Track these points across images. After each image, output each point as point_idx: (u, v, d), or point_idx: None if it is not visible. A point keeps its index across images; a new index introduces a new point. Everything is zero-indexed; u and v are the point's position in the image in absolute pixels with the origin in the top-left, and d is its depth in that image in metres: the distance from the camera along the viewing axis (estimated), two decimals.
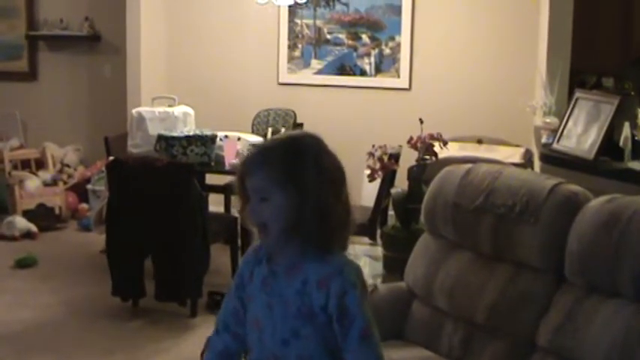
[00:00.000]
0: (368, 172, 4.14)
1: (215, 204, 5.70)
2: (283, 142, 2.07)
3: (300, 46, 7.04)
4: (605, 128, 4.10)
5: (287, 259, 2.06)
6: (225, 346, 2.18)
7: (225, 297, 2.25)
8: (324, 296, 1.99)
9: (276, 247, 2.08)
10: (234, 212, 5.84)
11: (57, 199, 7.01)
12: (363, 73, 6.90)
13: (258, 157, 2.04)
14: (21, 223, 6.57)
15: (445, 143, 3.95)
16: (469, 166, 3.28)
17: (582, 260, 2.71)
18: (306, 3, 6.62)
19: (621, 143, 4.23)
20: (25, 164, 7.37)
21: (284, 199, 1.97)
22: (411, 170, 4.01)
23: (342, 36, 6.93)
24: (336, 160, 2.08)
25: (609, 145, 4.14)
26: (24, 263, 5.81)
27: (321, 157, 2.04)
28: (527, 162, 5.68)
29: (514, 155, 5.91)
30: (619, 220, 2.61)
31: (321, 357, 2.05)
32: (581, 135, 4.25)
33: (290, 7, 6.81)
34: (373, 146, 4.09)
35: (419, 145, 3.92)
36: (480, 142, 6.13)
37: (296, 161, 2.00)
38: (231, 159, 5.27)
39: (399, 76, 6.77)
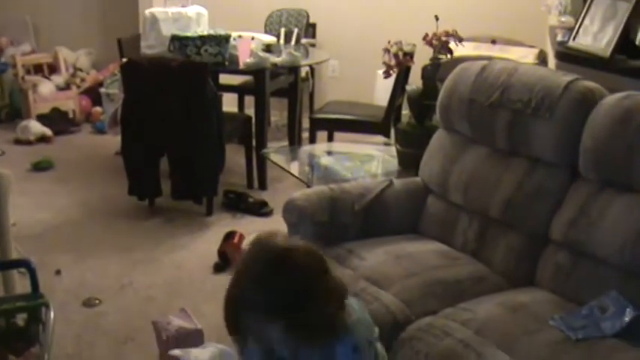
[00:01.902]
0: (382, 69, 4.12)
1: (229, 104, 5.71)
2: (255, 277, 2.02)
3: None
4: (621, 26, 4.05)
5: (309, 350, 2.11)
6: None
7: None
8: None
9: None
10: (248, 112, 5.86)
11: (70, 103, 7.02)
12: None
13: (254, 296, 2.00)
14: (35, 127, 6.60)
15: (460, 40, 3.92)
16: (484, 62, 3.27)
17: (596, 155, 2.73)
18: None
19: (637, 41, 4.19)
20: (38, 69, 7.34)
21: (276, 332, 2.02)
22: (425, 68, 3.99)
23: None
24: (312, 266, 2.05)
25: (625, 43, 4.11)
26: (40, 166, 5.86)
27: (296, 276, 2.01)
28: (541, 63, 5.65)
29: (528, 56, 5.88)
30: (634, 117, 2.62)
31: None
32: (598, 33, 4.21)
33: None
34: (389, 42, 4.06)
35: (434, 42, 3.90)
36: (494, 42, 6.09)
37: (290, 304, 1.99)
38: (245, 58, 5.26)
39: None
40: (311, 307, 2.00)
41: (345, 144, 5.22)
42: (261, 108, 5.33)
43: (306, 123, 5.86)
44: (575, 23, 4.43)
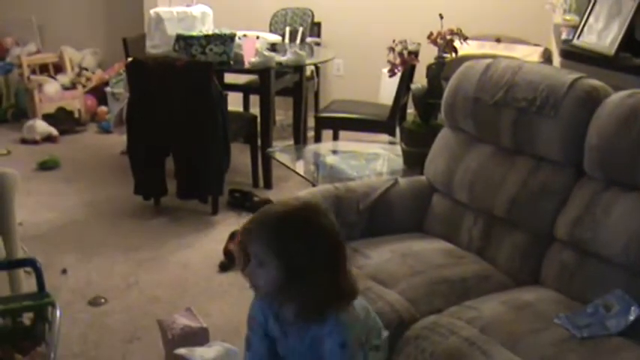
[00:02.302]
0: (387, 68, 4.12)
1: (234, 103, 5.71)
2: (284, 216, 2.11)
3: None
4: (626, 24, 4.05)
5: (290, 318, 2.18)
6: None
7: (251, 341, 2.39)
8: (324, 351, 2.14)
9: (273, 307, 2.22)
10: (253, 111, 5.87)
11: (76, 103, 7.03)
12: None
13: (260, 226, 2.10)
14: (41, 126, 6.62)
15: (465, 38, 3.92)
16: (489, 60, 3.27)
17: (601, 154, 2.72)
18: None
19: None
20: (43, 69, 7.37)
21: (275, 270, 2.06)
22: (430, 67, 3.99)
23: None
24: (334, 232, 2.13)
25: (630, 41, 4.11)
26: (46, 166, 5.88)
27: (317, 237, 2.09)
28: (545, 61, 5.65)
29: (533, 54, 5.88)
30: (639, 115, 2.62)
31: None
32: (602, 31, 4.21)
33: None
34: (394, 41, 4.07)
35: (439, 40, 3.90)
36: (498, 40, 6.09)
37: (289, 240, 2.06)
38: (250, 57, 5.27)
39: None
40: (316, 271, 2.06)
41: (351, 143, 5.23)
42: (267, 107, 5.34)
43: (311, 122, 5.87)
44: (580, 21, 4.43)
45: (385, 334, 2.40)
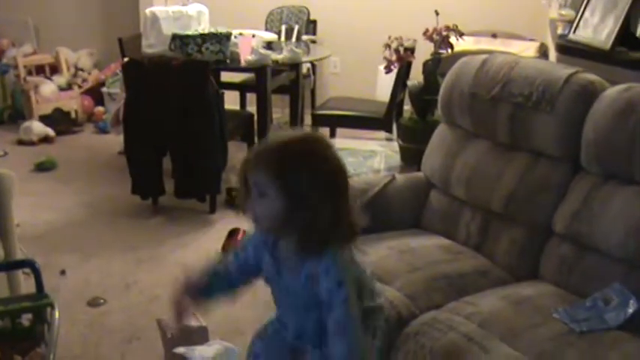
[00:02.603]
0: (384, 64, 4.13)
1: (231, 102, 5.71)
2: (287, 144, 2.08)
3: None
4: (621, 18, 4.05)
5: (286, 253, 2.15)
6: (219, 270, 2.35)
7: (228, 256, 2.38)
8: (320, 290, 2.08)
9: (270, 239, 2.18)
10: (250, 109, 5.87)
11: (72, 103, 7.02)
12: None
13: (260, 155, 2.07)
14: (38, 127, 6.61)
15: (461, 34, 3.94)
16: (485, 56, 3.27)
17: (598, 148, 2.73)
18: None
19: (638, 33, 4.19)
20: (39, 70, 7.36)
21: (276, 199, 2.01)
22: (426, 63, 4.00)
23: None
24: (337, 162, 2.09)
25: (626, 35, 4.11)
26: (44, 166, 5.87)
27: (321, 164, 2.05)
28: (542, 56, 5.65)
29: (529, 49, 5.88)
30: (635, 109, 2.62)
31: None
32: (598, 25, 4.21)
33: None
34: (389, 38, 4.08)
35: (435, 36, 3.91)
36: (494, 36, 6.09)
37: (295, 166, 2.02)
38: (246, 56, 5.26)
39: None
40: (319, 200, 2.02)
41: (348, 140, 5.23)
42: (263, 105, 5.34)
43: (308, 119, 5.87)
44: (576, 16, 4.43)
45: (382, 321, 2.35)
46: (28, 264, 2.98)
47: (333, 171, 2.06)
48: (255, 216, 2.09)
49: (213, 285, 2.31)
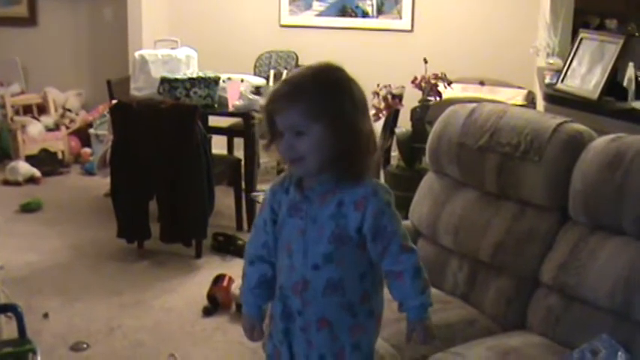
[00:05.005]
0: (371, 112, 4.14)
1: (218, 146, 5.71)
2: (314, 76, 2.08)
3: None
4: (609, 68, 4.09)
5: (321, 185, 2.11)
6: (263, 274, 2.27)
7: (253, 231, 2.34)
8: (360, 217, 2.06)
9: (311, 176, 2.12)
10: (237, 154, 5.87)
11: (59, 144, 7.02)
12: (365, 14, 6.87)
13: (291, 93, 2.05)
14: (24, 168, 6.58)
15: (449, 83, 3.96)
16: (473, 105, 3.28)
17: (586, 198, 2.72)
18: None
19: (625, 83, 4.23)
20: (27, 110, 7.36)
21: (322, 131, 2.01)
22: (414, 111, 4.02)
23: None
24: (360, 87, 2.12)
25: (613, 85, 4.14)
26: (29, 208, 5.83)
27: (352, 87, 2.08)
28: (529, 104, 5.68)
29: (516, 97, 5.92)
30: (623, 159, 2.62)
31: (350, 281, 2.14)
32: (585, 75, 4.25)
33: None
34: (378, 85, 4.09)
35: (423, 84, 3.93)
36: (482, 83, 6.13)
37: (332, 93, 2.03)
38: (234, 101, 5.28)
39: (401, 18, 6.74)
40: (358, 120, 2.04)
41: None
42: (251, 150, 5.35)
43: None
44: (564, 65, 4.47)
45: None
46: (11, 308, 2.95)
47: (361, 91, 2.10)
48: (295, 157, 2.06)
49: (267, 292, 2.28)
